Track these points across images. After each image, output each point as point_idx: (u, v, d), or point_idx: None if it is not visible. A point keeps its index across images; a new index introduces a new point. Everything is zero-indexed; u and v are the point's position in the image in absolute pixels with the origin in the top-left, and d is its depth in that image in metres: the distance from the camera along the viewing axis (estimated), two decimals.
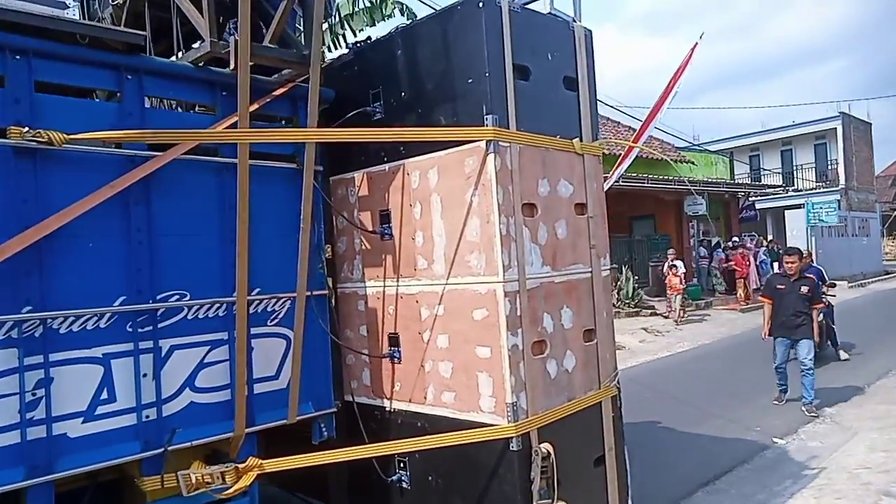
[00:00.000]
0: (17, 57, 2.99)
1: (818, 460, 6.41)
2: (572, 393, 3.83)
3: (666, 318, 16.90)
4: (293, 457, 3.54)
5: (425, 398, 3.87)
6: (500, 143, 3.45)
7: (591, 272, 4.01)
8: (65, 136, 3.01)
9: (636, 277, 18.90)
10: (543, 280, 3.69)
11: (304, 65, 3.71)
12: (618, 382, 4.16)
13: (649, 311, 17.77)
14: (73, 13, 3.93)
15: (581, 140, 3.98)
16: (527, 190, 3.62)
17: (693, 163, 23.79)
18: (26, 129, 2.94)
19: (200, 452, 3.65)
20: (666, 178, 20.48)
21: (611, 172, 14.51)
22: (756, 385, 9.47)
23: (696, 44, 13.02)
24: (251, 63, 3.65)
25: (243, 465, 3.40)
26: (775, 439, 7.17)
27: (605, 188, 12.79)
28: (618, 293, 18.46)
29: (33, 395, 3.02)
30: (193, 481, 3.31)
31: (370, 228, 4.10)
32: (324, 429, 4.09)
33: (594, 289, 4.02)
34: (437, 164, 3.70)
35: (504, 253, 3.44)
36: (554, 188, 3.80)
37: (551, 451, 3.50)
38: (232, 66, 3.40)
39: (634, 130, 14.26)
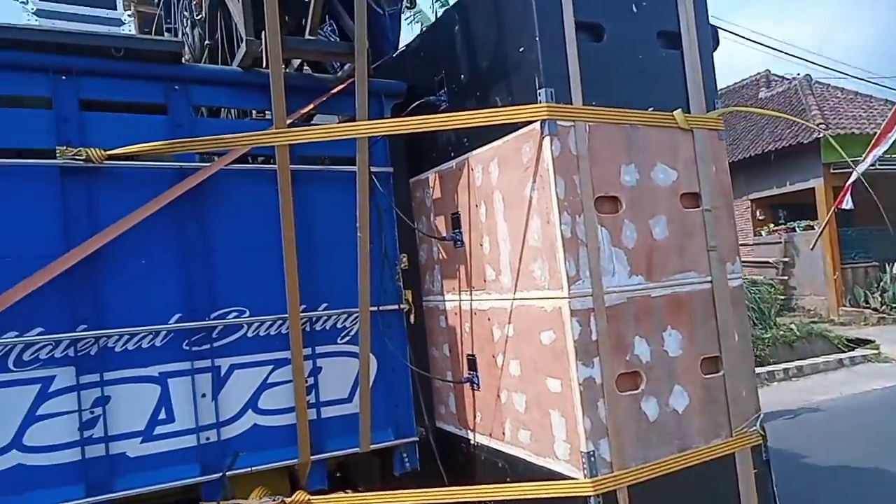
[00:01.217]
0: (64, 77, 3.06)
1: None
2: (686, 441, 2.92)
3: None
4: (346, 495, 3.20)
5: (503, 434, 3.27)
6: (558, 122, 2.73)
7: (710, 282, 3.04)
8: (104, 152, 3.01)
9: None
10: (633, 294, 2.86)
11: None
12: (761, 427, 3.11)
13: None
14: (129, 29, 4.03)
15: (688, 111, 3.04)
16: (604, 179, 2.83)
17: None
18: (65, 147, 2.98)
19: (283, 478, 3.49)
20: None
21: (864, 156, 11.96)
22: None
23: None
24: (300, 59, 3.41)
25: (290, 501, 3.13)
26: None
27: (856, 175, 10.27)
28: (881, 295, 15.40)
29: (91, 413, 3.05)
30: None
31: (444, 234, 3.60)
32: (406, 459, 3.69)
33: (717, 304, 3.03)
34: (496, 154, 3.09)
35: (569, 260, 2.72)
36: (646, 175, 2.94)
37: None
38: (265, 63, 3.17)
39: (893, 104, 11.52)
